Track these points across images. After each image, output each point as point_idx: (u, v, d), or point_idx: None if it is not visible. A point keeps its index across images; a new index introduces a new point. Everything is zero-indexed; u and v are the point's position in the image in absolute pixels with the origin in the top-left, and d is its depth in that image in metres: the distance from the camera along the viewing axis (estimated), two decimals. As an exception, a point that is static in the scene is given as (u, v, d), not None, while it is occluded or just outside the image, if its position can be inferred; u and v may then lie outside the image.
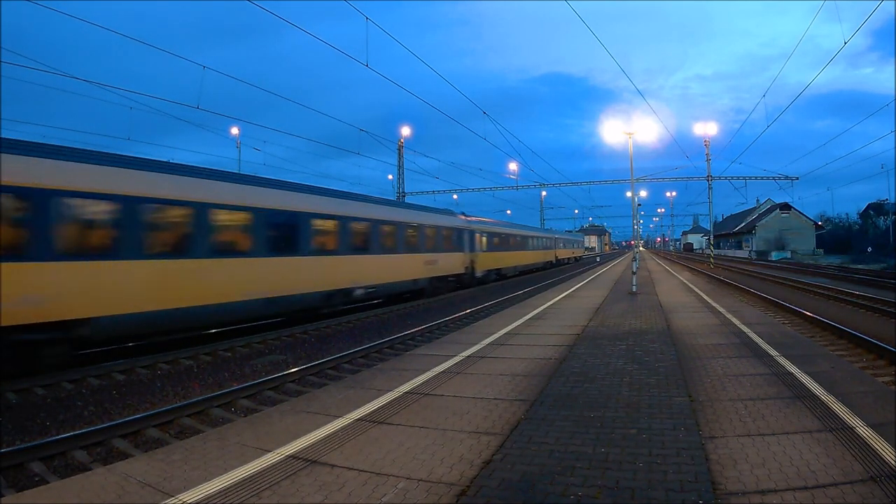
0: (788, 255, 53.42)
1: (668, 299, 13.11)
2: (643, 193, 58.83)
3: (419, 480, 3.06)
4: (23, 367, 7.51)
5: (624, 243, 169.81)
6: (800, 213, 62.08)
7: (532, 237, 35.91)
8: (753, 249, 61.79)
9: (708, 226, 46.98)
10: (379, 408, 4.55)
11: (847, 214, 70.66)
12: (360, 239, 14.83)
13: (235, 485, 3.05)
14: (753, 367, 5.62)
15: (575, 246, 58.31)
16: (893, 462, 3.03)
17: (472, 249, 23.60)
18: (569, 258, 52.45)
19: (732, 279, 24.35)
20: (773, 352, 6.30)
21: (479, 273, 24.26)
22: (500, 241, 28.04)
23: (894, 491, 2.70)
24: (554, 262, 42.67)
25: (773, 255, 53.40)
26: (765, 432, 3.62)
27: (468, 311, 14.79)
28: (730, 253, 70.43)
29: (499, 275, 27.98)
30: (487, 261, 25.45)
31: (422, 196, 42.88)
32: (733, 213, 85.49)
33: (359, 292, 14.65)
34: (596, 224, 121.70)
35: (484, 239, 25.37)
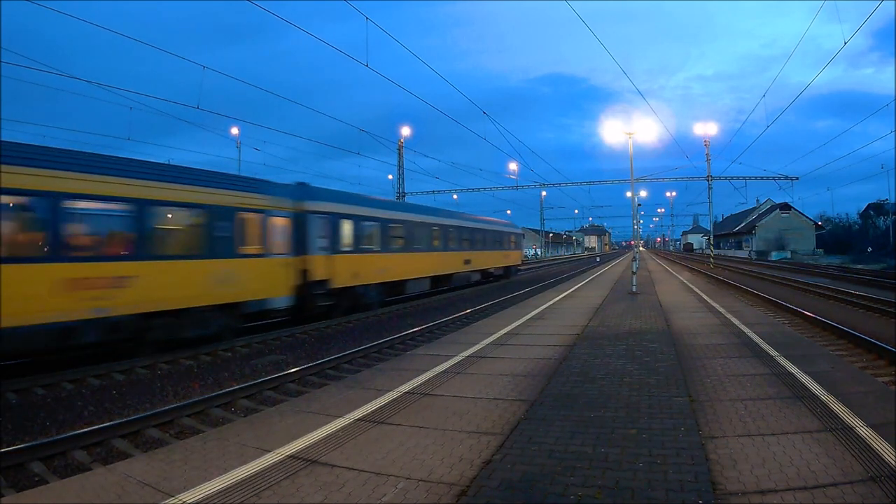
0: (788, 255, 53.38)
1: (667, 299, 13.11)
2: (643, 193, 58.78)
3: (419, 480, 3.06)
4: None
5: (624, 243, 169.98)
6: (800, 213, 62.07)
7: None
8: (753, 249, 61.77)
9: (708, 226, 46.96)
10: (379, 408, 4.55)
11: (847, 214, 70.71)
12: None
13: (235, 485, 3.05)
14: (753, 367, 5.62)
15: (482, 244, 24.40)
16: (893, 462, 3.03)
17: None
18: (425, 276, 18.96)
19: (732, 279, 24.33)
20: (773, 352, 6.29)
21: None
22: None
23: (894, 491, 2.70)
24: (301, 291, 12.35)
25: (773, 256, 53.37)
26: (765, 432, 3.62)
27: (468, 311, 14.80)
28: (730, 253, 70.38)
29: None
30: None
31: (422, 196, 42.51)
32: (733, 213, 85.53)
33: None
34: (596, 224, 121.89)
35: None
